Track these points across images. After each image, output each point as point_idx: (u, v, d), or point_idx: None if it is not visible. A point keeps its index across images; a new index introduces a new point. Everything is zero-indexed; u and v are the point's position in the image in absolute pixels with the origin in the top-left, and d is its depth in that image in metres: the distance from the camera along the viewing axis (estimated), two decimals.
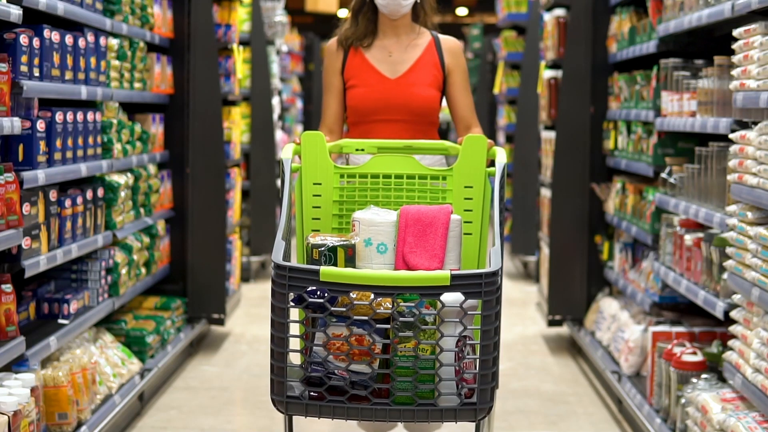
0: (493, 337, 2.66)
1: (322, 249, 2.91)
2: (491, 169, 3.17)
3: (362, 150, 3.36)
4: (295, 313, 2.75)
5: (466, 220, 3.16)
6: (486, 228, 3.19)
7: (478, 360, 2.68)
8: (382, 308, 2.68)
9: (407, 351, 2.68)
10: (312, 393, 2.71)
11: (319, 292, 2.64)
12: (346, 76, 3.91)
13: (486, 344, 2.65)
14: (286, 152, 3.19)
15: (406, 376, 2.68)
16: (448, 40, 3.95)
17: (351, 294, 2.65)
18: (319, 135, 3.24)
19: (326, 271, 2.62)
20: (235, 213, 7.20)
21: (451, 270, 2.86)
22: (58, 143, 4.10)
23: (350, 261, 2.93)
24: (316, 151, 3.23)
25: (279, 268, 2.66)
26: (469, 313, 2.66)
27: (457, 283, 2.61)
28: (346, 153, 3.44)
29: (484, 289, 2.62)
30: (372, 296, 2.66)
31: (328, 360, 2.68)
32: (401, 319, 2.66)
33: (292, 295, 2.66)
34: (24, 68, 3.75)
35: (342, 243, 2.93)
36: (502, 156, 3.15)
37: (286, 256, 2.85)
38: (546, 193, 6.98)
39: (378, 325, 2.67)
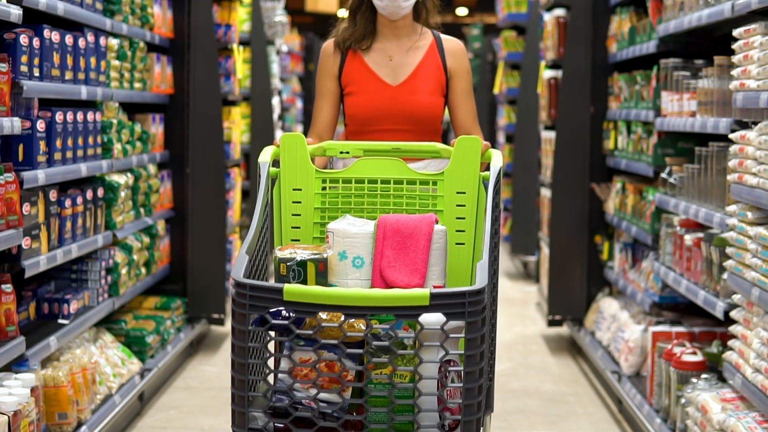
0: (479, 363, 2.36)
1: (290, 263, 2.62)
2: (486, 173, 2.90)
3: (347, 153, 3.07)
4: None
5: (458, 229, 2.91)
6: (480, 237, 2.93)
7: (462, 388, 2.39)
8: (354, 330, 2.41)
9: (383, 378, 2.43)
10: (277, 425, 2.45)
11: (283, 313, 2.37)
12: (343, 82, 3.66)
13: (471, 371, 2.35)
14: (263, 155, 2.90)
15: (382, 406, 2.43)
16: (450, 42, 3.70)
17: (321, 314, 2.38)
18: (299, 137, 2.96)
19: (290, 289, 2.34)
20: (235, 213, 7.20)
21: (432, 287, 2.65)
22: (58, 143, 4.10)
23: (322, 276, 2.65)
24: (296, 155, 2.95)
25: (239, 285, 2.37)
26: (451, 336, 2.36)
27: (437, 302, 2.32)
28: (330, 156, 3.16)
29: (467, 309, 2.32)
30: (342, 317, 2.37)
31: (295, 388, 2.42)
32: (376, 342, 2.39)
33: (254, 316, 2.39)
34: (24, 68, 3.75)
35: (313, 257, 2.64)
36: (498, 159, 2.90)
37: (257, 271, 2.62)
38: (546, 193, 6.98)
39: (350, 350, 2.39)
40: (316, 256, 2.65)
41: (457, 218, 2.93)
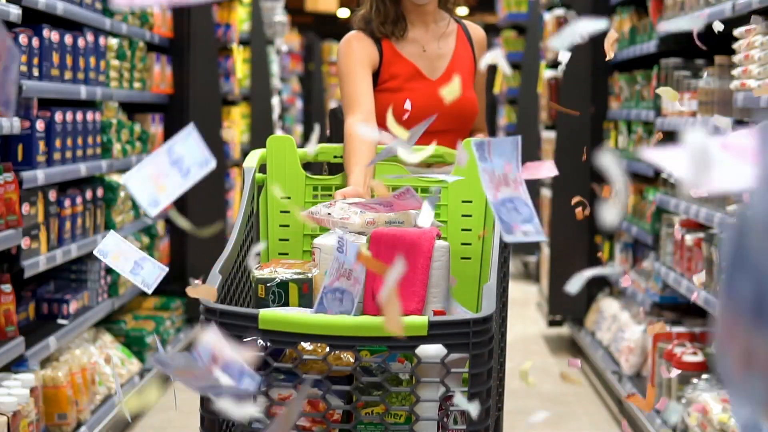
0: (486, 402, 2.03)
1: (270, 284, 2.30)
2: None
3: (341, 157, 2.77)
4: None
5: (463, 242, 2.61)
6: (488, 251, 2.61)
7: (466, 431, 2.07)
8: (341, 363, 2.08)
9: (374, 418, 2.09)
10: None
11: (259, 343, 2.04)
12: (383, 76, 3.12)
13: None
14: (249, 160, 2.62)
15: None
16: (477, 30, 3.25)
17: (303, 345, 2.05)
18: (288, 139, 2.67)
19: (266, 316, 1.99)
20: (234, 213, 7.19)
21: (432, 312, 2.36)
22: (58, 143, 4.09)
23: (306, 299, 2.30)
24: (284, 159, 2.66)
25: (207, 311, 2.04)
26: (453, 371, 2.02)
27: (437, 332, 1.97)
28: (323, 161, 2.84)
29: (472, 339, 1.98)
30: (327, 348, 2.03)
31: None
32: (366, 377, 2.05)
33: None
34: (23, 68, 3.75)
35: (295, 277, 2.30)
36: None
37: (238, 293, 2.36)
38: (546, 193, 6.98)
39: (335, 386, 2.05)
40: (300, 277, 2.31)
41: (463, 230, 2.64)
